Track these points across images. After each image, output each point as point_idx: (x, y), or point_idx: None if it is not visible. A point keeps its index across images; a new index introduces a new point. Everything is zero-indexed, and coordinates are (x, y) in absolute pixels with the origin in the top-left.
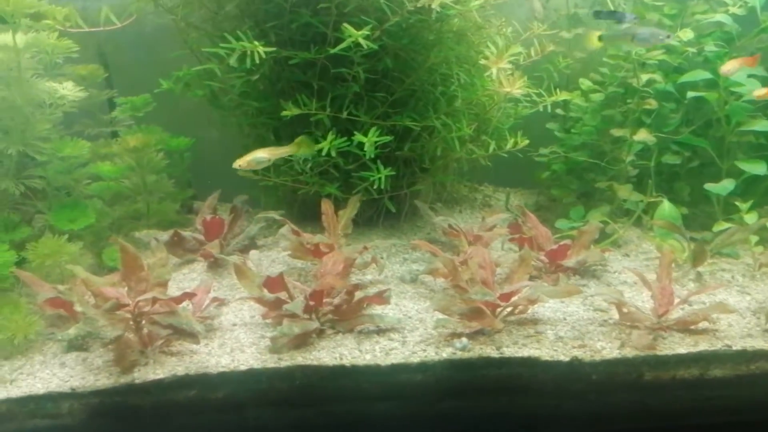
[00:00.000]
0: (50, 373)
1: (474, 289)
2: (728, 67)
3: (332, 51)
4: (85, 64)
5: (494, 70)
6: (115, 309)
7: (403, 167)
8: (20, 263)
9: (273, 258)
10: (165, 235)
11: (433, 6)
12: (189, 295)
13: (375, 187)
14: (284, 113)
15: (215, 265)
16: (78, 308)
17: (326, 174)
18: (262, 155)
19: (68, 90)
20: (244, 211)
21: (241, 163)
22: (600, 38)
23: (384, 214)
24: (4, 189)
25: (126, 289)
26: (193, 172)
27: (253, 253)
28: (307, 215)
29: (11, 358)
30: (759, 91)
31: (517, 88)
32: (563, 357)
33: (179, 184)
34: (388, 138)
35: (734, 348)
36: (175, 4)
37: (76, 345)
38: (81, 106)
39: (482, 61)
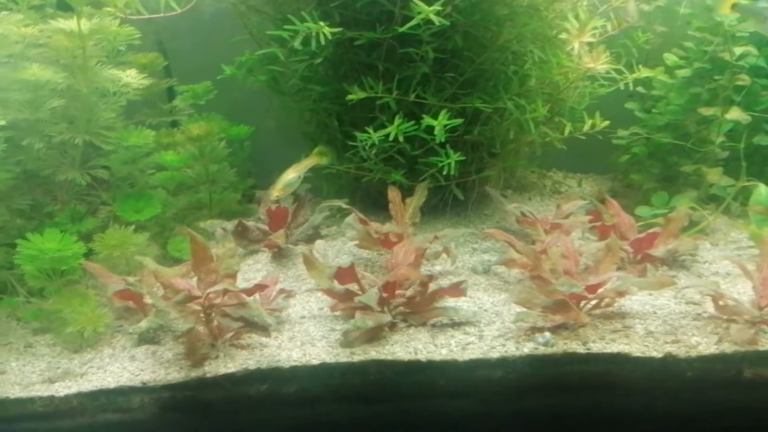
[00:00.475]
0: (120, 367)
1: (560, 280)
2: None
3: (400, 30)
4: (144, 52)
5: (576, 45)
6: (187, 301)
7: (471, 152)
8: (87, 255)
9: (338, 248)
10: (229, 225)
11: None
12: (260, 287)
13: (443, 173)
14: (349, 97)
15: (279, 256)
16: (148, 300)
17: (391, 160)
18: (292, 175)
19: (132, 78)
20: (308, 200)
21: (277, 192)
22: (734, 6)
23: (451, 202)
24: (71, 180)
25: (195, 280)
26: (254, 161)
27: (319, 243)
28: (369, 203)
29: (81, 351)
30: None
31: (600, 63)
32: (655, 353)
33: (240, 173)
34: (459, 121)
35: None
36: None
37: (147, 338)
38: (141, 95)
39: (563, 36)
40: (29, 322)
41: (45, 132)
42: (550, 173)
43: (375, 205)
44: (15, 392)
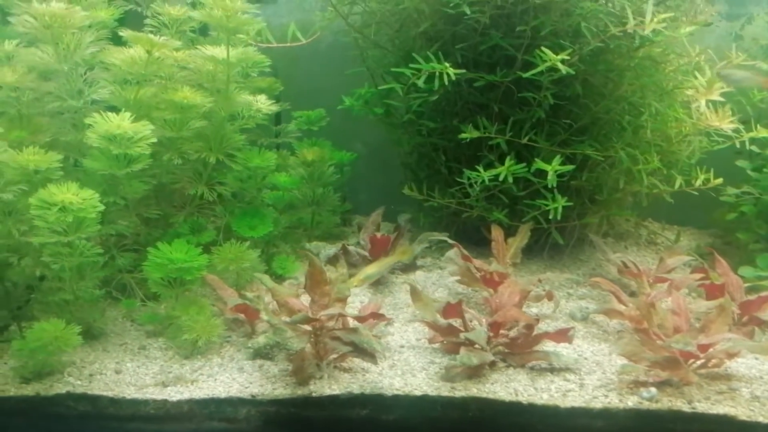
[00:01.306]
0: (229, 377)
1: (675, 337)
2: None
3: (525, 75)
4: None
5: (702, 102)
6: (305, 322)
7: (574, 197)
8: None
9: (434, 280)
10: (333, 249)
11: (646, 32)
12: (375, 316)
13: (550, 216)
14: (462, 135)
15: (377, 283)
16: (263, 317)
17: (494, 199)
18: (374, 270)
19: (263, 103)
20: (406, 230)
21: (356, 283)
22: None
23: (548, 245)
24: (201, 194)
25: (309, 301)
26: (353, 187)
27: (419, 274)
28: (465, 239)
29: (191, 357)
30: None
31: (726, 122)
32: (762, 418)
33: (341, 198)
34: (571, 167)
35: None
36: (365, 24)
37: (263, 353)
38: (260, 119)
39: (689, 91)
40: (143, 324)
41: (183, 149)
42: (646, 223)
43: (469, 240)
44: (130, 393)
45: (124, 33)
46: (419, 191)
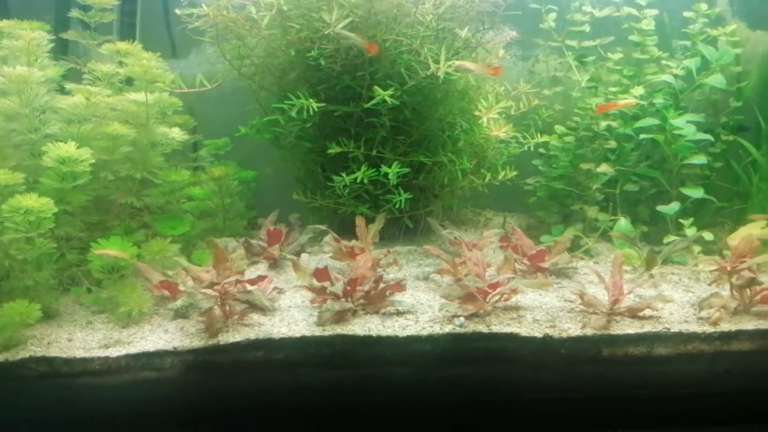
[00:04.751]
0: (157, 337)
1: (468, 278)
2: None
3: (366, 105)
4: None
5: (485, 119)
6: (210, 287)
7: (419, 193)
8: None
9: (318, 261)
10: (234, 242)
11: (440, 75)
12: (261, 278)
13: (397, 207)
14: (329, 151)
15: (275, 265)
16: (181, 288)
17: (359, 197)
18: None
19: (176, 134)
20: (297, 225)
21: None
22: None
23: (404, 230)
24: (129, 203)
25: (215, 274)
26: (256, 197)
27: (304, 255)
28: (344, 230)
29: (128, 326)
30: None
31: (503, 132)
32: (537, 334)
33: (246, 206)
34: (407, 170)
35: (672, 330)
36: (253, 72)
37: (181, 313)
38: (177, 145)
39: (476, 113)
40: (90, 306)
41: (114, 169)
42: (484, 212)
43: (348, 231)
44: (80, 354)
45: (69, 85)
46: (305, 196)
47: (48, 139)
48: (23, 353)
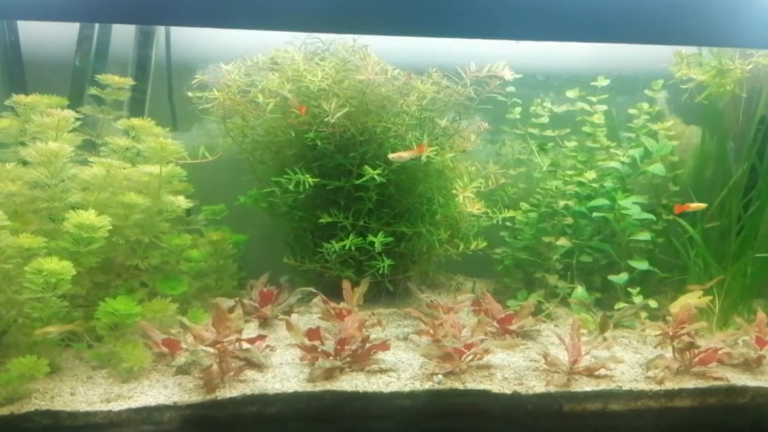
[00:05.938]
0: (157, 392)
1: (446, 339)
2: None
3: (356, 182)
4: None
5: (461, 197)
6: (213, 344)
7: (399, 259)
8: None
9: (306, 320)
10: (232, 301)
11: (422, 158)
12: (260, 338)
13: (380, 272)
14: (321, 220)
15: (265, 324)
16: (183, 345)
17: (345, 263)
18: None
19: (181, 201)
20: (286, 287)
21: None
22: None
23: (384, 293)
24: (135, 264)
25: (216, 333)
26: (247, 259)
27: (294, 316)
28: (330, 292)
29: (128, 381)
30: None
31: (476, 208)
32: (507, 390)
33: (237, 267)
34: (390, 239)
35: (624, 388)
36: (253, 148)
37: (183, 370)
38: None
39: (453, 191)
40: (90, 361)
41: (126, 233)
42: (455, 277)
43: (334, 293)
44: (83, 407)
45: (91, 158)
46: (295, 260)
47: (67, 206)
48: (28, 407)
